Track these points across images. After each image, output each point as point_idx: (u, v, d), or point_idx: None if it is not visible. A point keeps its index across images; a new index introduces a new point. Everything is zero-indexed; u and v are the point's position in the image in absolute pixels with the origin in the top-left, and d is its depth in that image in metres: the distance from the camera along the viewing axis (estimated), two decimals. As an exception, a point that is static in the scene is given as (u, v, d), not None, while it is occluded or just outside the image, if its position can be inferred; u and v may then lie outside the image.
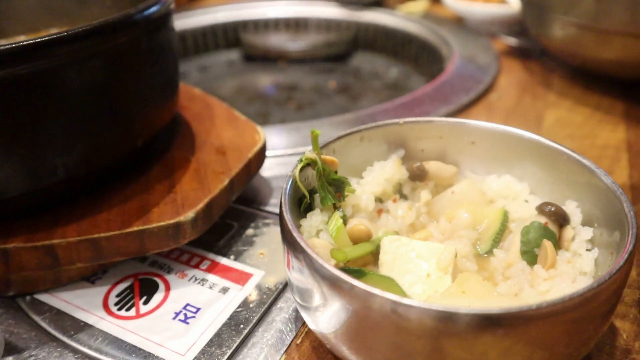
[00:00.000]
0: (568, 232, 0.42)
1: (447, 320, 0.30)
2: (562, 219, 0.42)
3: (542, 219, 0.42)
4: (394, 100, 0.86)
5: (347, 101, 1.13)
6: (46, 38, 0.41)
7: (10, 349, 0.43)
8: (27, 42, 0.40)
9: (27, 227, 0.47)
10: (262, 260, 0.52)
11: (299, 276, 0.37)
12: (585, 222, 0.43)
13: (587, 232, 0.41)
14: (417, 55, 1.24)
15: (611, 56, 0.79)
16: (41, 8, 0.67)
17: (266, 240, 0.55)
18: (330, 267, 0.33)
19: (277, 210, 0.59)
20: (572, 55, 0.87)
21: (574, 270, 0.39)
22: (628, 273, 0.35)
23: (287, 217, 0.38)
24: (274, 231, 0.56)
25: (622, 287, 0.35)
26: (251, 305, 0.47)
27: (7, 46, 0.39)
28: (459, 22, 1.21)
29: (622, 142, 0.72)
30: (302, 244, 0.35)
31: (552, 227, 0.42)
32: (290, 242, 0.37)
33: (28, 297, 0.48)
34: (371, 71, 1.29)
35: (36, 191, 0.46)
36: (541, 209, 0.43)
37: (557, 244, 0.42)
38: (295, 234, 0.36)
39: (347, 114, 0.81)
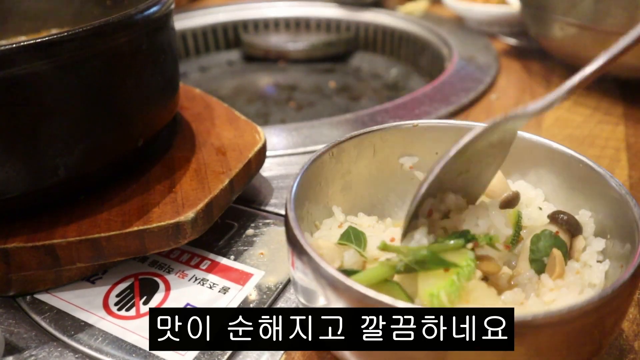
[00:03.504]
0: (579, 242, 0.40)
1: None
2: (574, 229, 0.41)
3: (554, 228, 0.41)
4: (394, 100, 0.86)
5: (347, 101, 1.13)
6: (46, 38, 0.41)
7: (11, 348, 0.43)
8: (28, 43, 0.40)
9: (28, 227, 0.47)
10: (262, 260, 0.52)
11: (303, 277, 0.37)
12: (599, 233, 0.41)
13: (599, 243, 0.40)
14: (417, 55, 1.24)
15: (611, 56, 0.79)
16: (41, 8, 0.68)
17: (266, 240, 0.55)
18: (334, 272, 0.33)
19: (277, 210, 0.59)
20: (571, 56, 0.87)
21: (582, 281, 0.38)
22: (635, 287, 0.33)
23: (291, 214, 0.38)
24: (274, 231, 0.56)
25: (628, 301, 0.34)
26: (251, 305, 0.47)
27: (7, 46, 0.39)
28: (459, 22, 1.21)
29: (622, 142, 0.72)
30: (307, 248, 0.35)
31: (564, 236, 0.40)
32: (294, 245, 0.37)
33: (28, 297, 0.48)
34: (371, 71, 1.29)
35: (37, 191, 0.46)
36: (553, 217, 0.42)
37: (568, 254, 0.41)
38: (299, 236, 0.36)
39: (347, 114, 0.81)
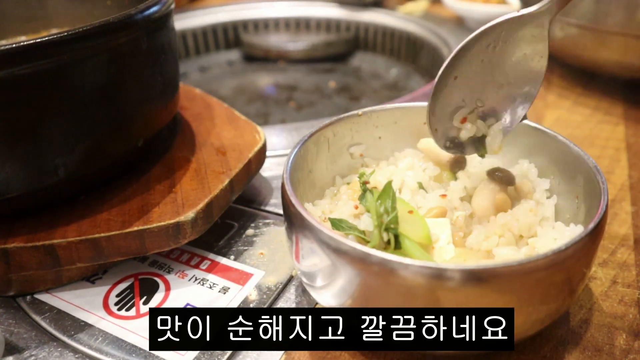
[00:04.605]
0: (527, 185, 0.47)
1: (440, 276, 0.33)
2: (511, 180, 0.46)
3: (494, 183, 0.46)
4: (394, 100, 0.86)
5: (347, 101, 1.13)
6: (47, 38, 0.41)
7: (11, 348, 0.43)
8: (28, 43, 0.40)
9: (28, 227, 0.47)
10: (262, 260, 0.52)
11: (309, 255, 0.38)
12: (542, 175, 0.48)
13: (545, 183, 0.46)
14: (417, 55, 1.24)
15: (610, 57, 0.79)
16: (41, 9, 0.68)
17: (266, 240, 0.55)
18: (337, 236, 0.35)
19: (277, 210, 0.59)
20: (571, 56, 0.87)
21: (536, 217, 0.43)
22: (594, 241, 0.37)
23: (288, 187, 0.40)
24: (274, 231, 0.56)
25: (589, 256, 0.37)
26: (251, 305, 0.47)
27: (7, 46, 0.39)
28: (459, 22, 1.21)
29: (622, 142, 0.72)
30: (308, 218, 0.37)
31: (502, 187, 0.46)
32: (298, 226, 0.38)
33: (28, 297, 0.48)
34: (371, 71, 1.29)
35: (37, 191, 0.46)
36: (491, 174, 0.46)
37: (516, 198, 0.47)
38: (301, 210, 0.38)
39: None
